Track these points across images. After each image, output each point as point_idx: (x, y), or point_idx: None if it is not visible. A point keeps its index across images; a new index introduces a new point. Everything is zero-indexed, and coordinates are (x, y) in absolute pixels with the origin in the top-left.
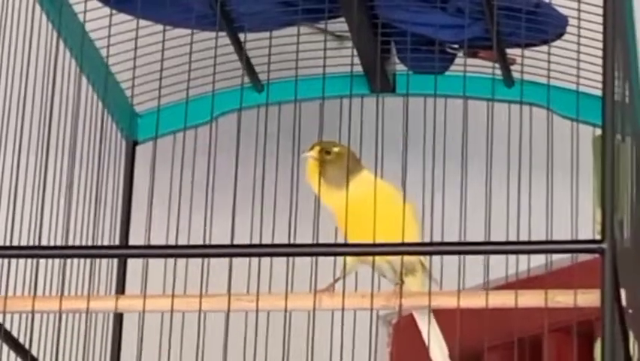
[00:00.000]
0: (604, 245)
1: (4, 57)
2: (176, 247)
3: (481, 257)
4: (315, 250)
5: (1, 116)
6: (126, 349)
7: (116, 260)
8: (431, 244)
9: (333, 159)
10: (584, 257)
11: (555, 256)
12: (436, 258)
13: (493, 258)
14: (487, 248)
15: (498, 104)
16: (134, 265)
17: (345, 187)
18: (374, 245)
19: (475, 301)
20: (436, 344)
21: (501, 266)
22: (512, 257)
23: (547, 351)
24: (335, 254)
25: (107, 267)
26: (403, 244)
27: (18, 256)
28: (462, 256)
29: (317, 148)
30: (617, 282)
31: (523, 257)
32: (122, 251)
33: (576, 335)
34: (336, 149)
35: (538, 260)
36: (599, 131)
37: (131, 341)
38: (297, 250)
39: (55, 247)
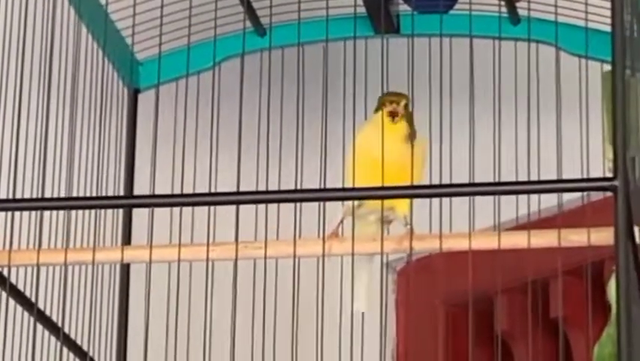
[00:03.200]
0: (616, 182)
1: (2, 7)
2: (181, 195)
3: (490, 199)
4: (324, 194)
5: (1, 67)
6: (133, 300)
7: (121, 211)
8: (440, 186)
9: (404, 113)
10: (594, 197)
11: (566, 197)
12: (445, 200)
13: (502, 200)
14: (497, 189)
15: (504, 43)
16: (139, 216)
17: (410, 142)
18: (382, 188)
19: (487, 242)
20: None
21: (511, 208)
22: (522, 199)
23: (557, 293)
24: (343, 198)
25: (112, 218)
26: (411, 187)
27: (22, 209)
28: (472, 198)
29: (403, 102)
30: (631, 219)
31: (533, 198)
32: (127, 201)
33: (586, 276)
34: (404, 102)
35: (548, 201)
36: (607, 68)
37: (138, 292)
38: (305, 196)
39: (59, 199)
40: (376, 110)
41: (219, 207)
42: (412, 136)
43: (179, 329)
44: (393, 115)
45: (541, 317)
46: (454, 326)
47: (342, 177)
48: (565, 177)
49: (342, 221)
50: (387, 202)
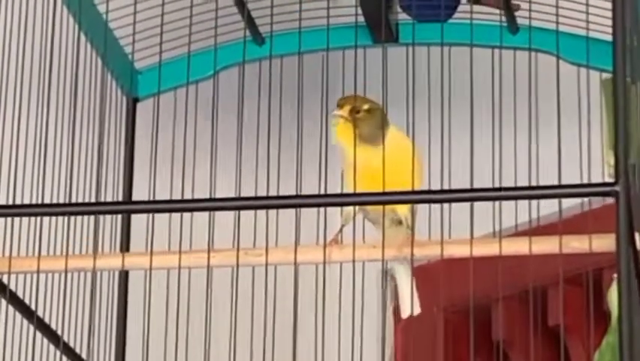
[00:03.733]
0: (618, 187)
1: (2, 16)
2: (180, 201)
3: (489, 207)
4: (323, 200)
5: (1, 75)
6: (132, 307)
7: (119, 218)
8: (440, 191)
9: (363, 117)
10: (594, 204)
11: (565, 204)
12: (444, 206)
13: (502, 206)
14: (498, 194)
15: (503, 51)
16: (138, 223)
17: (379, 144)
18: (382, 194)
19: (488, 249)
20: (408, 296)
21: (511, 215)
22: (522, 206)
23: (556, 301)
24: (342, 204)
25: (110, 226)
26: (411, 193)
27: (21, 215)
28: (472, 204)
29: (347, 108)
30: (632, 225)
31: (533, 205)
32: (126, 207)
33: (586, 284)
34: (365, 106)
35: (548, 208)
36: (606, 75)
37: (137, 298)
38: (305, 201)
39: (58, 205)
40: None
41: (218, 214)
42: (369, 136)
43: (179, 336)
44: (337, 117)
45: (540, 325)
46: (454, 333)
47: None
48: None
49: (342, 228)
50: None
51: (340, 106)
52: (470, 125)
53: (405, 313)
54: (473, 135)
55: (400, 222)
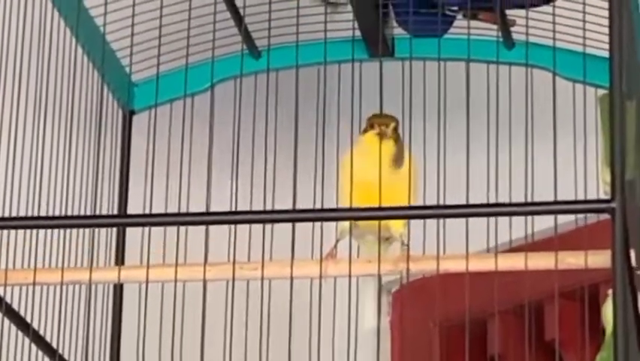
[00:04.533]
0: (614, 204)
1: None
2: (176, 214)
3: (486, 221)
4: (319, 215)
5: None
6: (127, 320)
7: (114, 232)
8: (436, 207)
9: (395, 137)
10: (590, 220)
11: (561, 220)
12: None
13: (498, 222)
14: (493, 210)
15: (499, 67)
16: (133, 236)
17: (400, 165)
18: (378, 209)
19: (484, 264)
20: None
21: (506, 230)
22: (518, 221)
23: (552, 316)
24: (338, 219)
25: (105, 239)
26: (406, 208)
27: (17, 227)
28: (467, 220)
29: (392, 125)
30: (628, 242)
31: (529, 221)
32: (122, 220)
33: (582, 299)
34: (393, 124)
35: (543, 223)
36: (602, 91)
37: (132, 311)
38: (301, 216)
39: (53, 217)
40: (364, 132)
41: (214, 228)
42: (398, 158)
43: (174, 349)
44: (381, 136)
45: (535, 340)
46: (449, 347)
47: (336, 198)
48: (560, 200)
49: (337, 242)
50: (382, 222)
51: (384, 124)
52: (466, 140)
53: (366, 324)
54: (469, 150)
55: (387, 239)
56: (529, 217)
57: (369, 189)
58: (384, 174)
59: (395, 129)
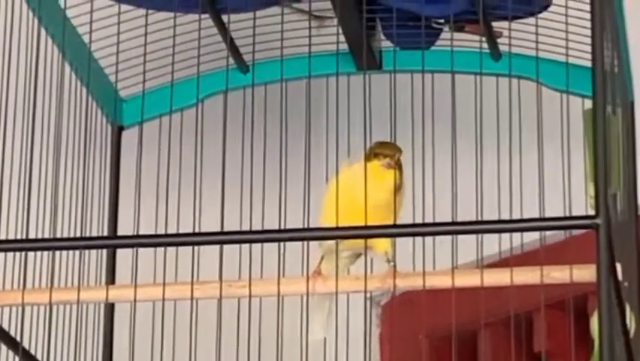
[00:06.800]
0: (598, 220)
1: None
2: (165, 235)
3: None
4: (308, 234)
5: None
6: (118, 339)
7: (105, 251)
8: (423, 225)
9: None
10: (577, 231)
11: (548, 232)
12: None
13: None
14: (480, 227)
15: (485, 78)
16: (123, 254)
17: (399, 190)
18: (365, 227)
19: (469, 280)
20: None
21: (493, 243)
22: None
23: (540, 327)
24: (326, 238)
25: (96, 258)
26: (393, 226)
27: (6, 250)
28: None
29: (397, 155)
30: (613, 257)
31: (516, 234)
32: (112, 242)
33: (571, 310)
34: (398, 155)
35: (531, 236)
36: (588, 104)
37: (122, 330)
38: (289, 235)
39: (43, 240)
40: (368, 158)
41: (203, 247)
42: (400, 186)
43: None
44: (389, 167)
45: (525, 351)
46: (439, 360)
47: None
48: (547, 211)
49: (322, 259)
50: (368, 240)
51: (391, 157)
52: (453, 151)
53: (313, 335)
54: (456, 163)
55: (358, 256)
56: None
57: (372, 211)
58: (387, 199)
59: (398, 159)
